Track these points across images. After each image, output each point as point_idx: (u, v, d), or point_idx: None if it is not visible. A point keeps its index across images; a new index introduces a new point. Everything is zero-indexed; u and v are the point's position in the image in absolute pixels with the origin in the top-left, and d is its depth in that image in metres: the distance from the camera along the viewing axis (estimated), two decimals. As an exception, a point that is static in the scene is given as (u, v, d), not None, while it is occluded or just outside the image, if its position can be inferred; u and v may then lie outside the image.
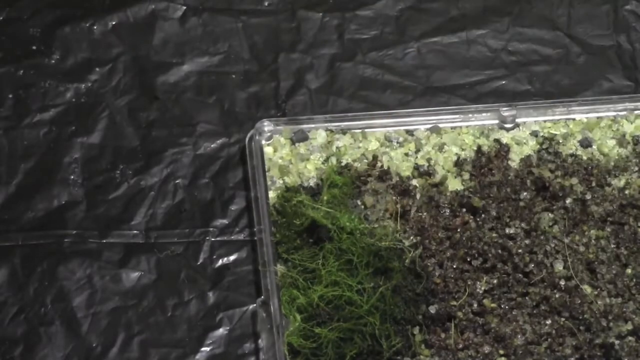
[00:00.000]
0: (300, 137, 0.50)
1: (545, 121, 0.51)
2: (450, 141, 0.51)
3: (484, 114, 0.52)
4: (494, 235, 0.47)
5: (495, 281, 0.46)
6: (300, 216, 0.46)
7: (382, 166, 0.50)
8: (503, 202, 0.48)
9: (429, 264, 0.46)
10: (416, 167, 0.50)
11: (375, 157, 0.50)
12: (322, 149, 0.50)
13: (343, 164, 0.50)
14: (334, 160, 0.50)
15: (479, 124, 0.52)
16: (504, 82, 0.55)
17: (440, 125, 0.51)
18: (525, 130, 0.51)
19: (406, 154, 0.50)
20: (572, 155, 0.50)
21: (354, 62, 0.55)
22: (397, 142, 0.51)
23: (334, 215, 0.46)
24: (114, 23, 0.55)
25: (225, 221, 0.50)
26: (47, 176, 0.51)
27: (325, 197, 0.47)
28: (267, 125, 0.50)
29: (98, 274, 0.48)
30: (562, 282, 0.46)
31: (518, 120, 0.52)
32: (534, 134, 0.51)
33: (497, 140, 0.51)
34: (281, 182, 0.49)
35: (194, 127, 0.53)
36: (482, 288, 0.46)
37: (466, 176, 0.50)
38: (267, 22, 0.56)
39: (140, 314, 0.47)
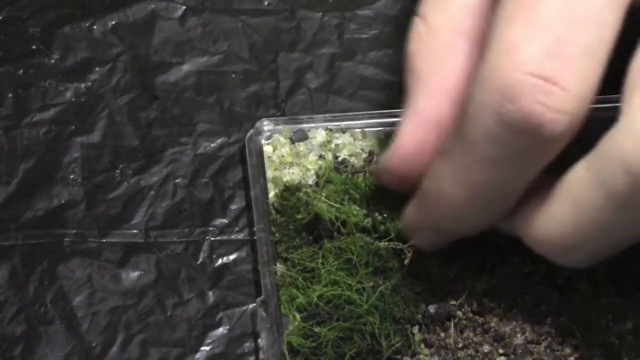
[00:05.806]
0: (300, 137, 0.50)
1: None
2: (450, 140, 0.51)
3: (483, 113, 0.51)
4: (494, 235, 0.47)
5: (495, 281, 0.46)
6: (302, 210, 0.46)
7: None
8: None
9: (428, 264, 0.46)
10: (416, 166, 0.50)
11: (372, 153, 0.50)
12: (322, 147, 0.50)
13: (340, 160, 0.49)
14: (330, 156, 0.50)
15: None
16: (503, 81, 0.55)
17: (440, 125, 0.51)
18: (525, 129, 0.51)
19: (406, 153, 0.50)
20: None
21: (354, 62, 0.55)
22: (397, 141, 0.51)
23: (338, 208, 0.46)
24: (113, 23, 0.55)
25: (225, 220, 0.50)
26: (46, 176, 0.51)
27: (324, 194, 0.47)
28: (266, 125, 0.50)
29: (98, 273, 0.48)
30: (562, 282, 0.46)
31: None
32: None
33: (496, 140, 0.51)
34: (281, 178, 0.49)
35: (193, 126, 0.53)
36: (482, 288, 0.46)
37: (466, 175, 0.49)
38: (267, 22, 0.56)
39: (140, 313, 0.47)
